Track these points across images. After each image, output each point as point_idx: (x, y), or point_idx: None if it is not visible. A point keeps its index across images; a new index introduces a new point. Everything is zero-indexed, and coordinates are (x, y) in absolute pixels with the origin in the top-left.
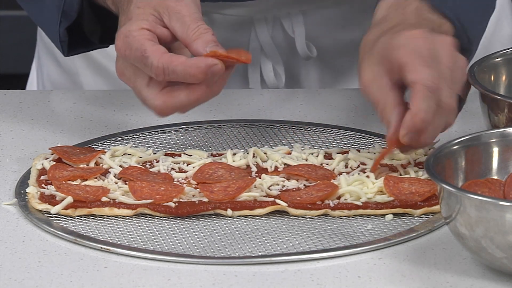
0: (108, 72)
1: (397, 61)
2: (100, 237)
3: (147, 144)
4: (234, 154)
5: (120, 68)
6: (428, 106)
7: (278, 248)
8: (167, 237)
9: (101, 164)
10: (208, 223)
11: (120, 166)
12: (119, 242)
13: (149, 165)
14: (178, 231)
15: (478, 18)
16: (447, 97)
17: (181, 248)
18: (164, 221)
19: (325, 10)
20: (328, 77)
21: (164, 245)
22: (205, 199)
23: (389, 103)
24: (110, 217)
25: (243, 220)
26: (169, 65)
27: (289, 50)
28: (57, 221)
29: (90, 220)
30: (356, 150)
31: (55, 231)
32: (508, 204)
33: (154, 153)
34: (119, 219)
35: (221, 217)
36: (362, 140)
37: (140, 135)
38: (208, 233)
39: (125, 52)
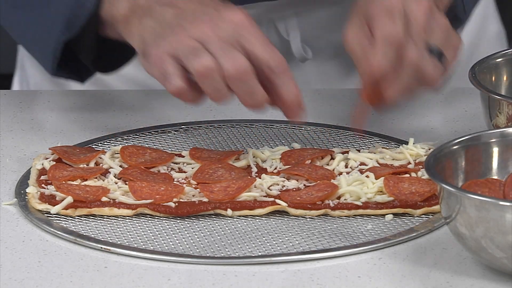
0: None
1: (369, 15)
2: (100, 237)
3: (147, 144)
4: None
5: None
6: (384, 57)
7: (278, 248)
8: (167, 237)
9: (101, 164)
10: (208, 223)
11: (120, 166)
12: (119, 242)
13: None
14: (178, 231)
15: None
16: (411, 52)
17: (181, 248)
18: (164, 221)
19: (318, 11)
20: (324, 78)
21: (164, 245)
22: (205, 199)
23: (365, 57)
24: (110, 217)
25: (243, 220)
26: None
27: (284, 52)
28: (57, 221)
29: (90, 220)
30: (356, 150)
31: (55, 231)
32: (508, 204)
33: None
34: (119, 219)
35: (221, 217)
36: (362, 140)
37: (140, 135)
38: (208, 233)
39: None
